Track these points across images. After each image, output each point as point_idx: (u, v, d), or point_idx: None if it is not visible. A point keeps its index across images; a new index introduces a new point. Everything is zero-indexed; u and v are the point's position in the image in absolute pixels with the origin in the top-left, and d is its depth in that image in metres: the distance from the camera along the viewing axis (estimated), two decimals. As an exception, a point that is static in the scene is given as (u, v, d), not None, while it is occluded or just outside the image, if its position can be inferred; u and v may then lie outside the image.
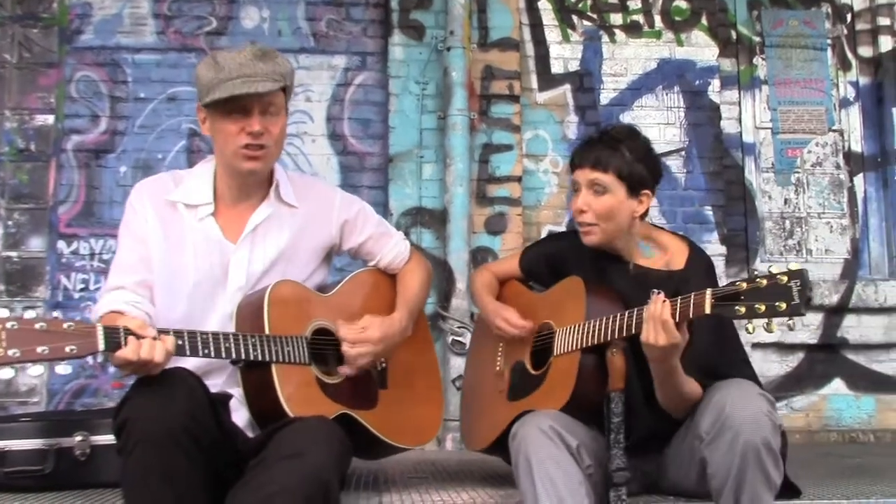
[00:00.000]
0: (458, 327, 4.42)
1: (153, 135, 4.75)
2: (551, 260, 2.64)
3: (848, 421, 4.81)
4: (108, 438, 2.58)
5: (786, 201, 5.13)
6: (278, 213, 2.37)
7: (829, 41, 5.26)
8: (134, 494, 1.86)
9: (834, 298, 4.82)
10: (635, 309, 2.15)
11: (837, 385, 4.85)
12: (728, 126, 5.04)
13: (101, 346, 1.86)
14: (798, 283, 1.86)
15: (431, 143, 4.73)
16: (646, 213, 2.41)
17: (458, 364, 4.36)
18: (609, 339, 2.22)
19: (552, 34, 5.00)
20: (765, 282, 1.90)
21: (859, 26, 5.27)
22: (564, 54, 5.00)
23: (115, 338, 1.88)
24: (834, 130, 5.19)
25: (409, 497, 2.49)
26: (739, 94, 5.14)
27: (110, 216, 4.67)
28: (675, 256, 2.42)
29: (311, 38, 4.89)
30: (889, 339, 4.84)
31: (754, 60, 5.20)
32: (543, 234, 4.74)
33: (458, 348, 4.39)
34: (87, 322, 1.89)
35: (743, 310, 1.92)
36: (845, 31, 5.29)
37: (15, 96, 4.73)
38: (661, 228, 2.52)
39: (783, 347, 4.78)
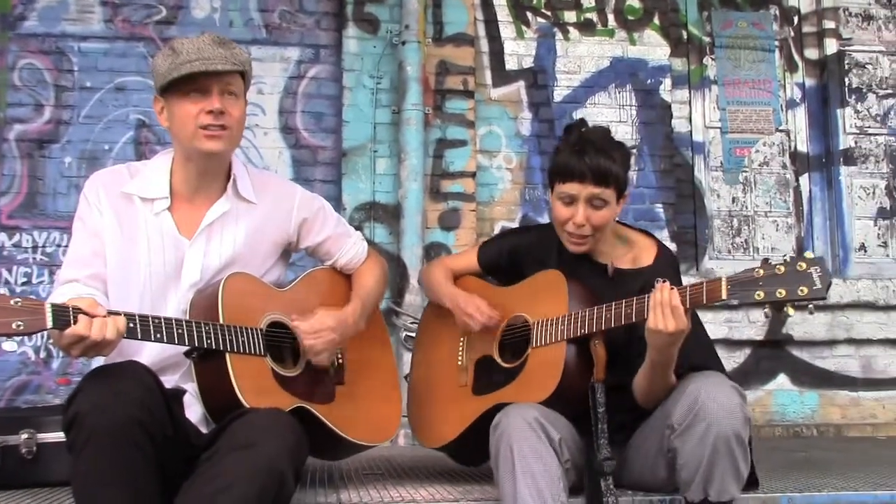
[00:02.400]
0: (412, 322, 4.39)
1: (99, 125, 4.63)
2: (513, 255, 2.64)
3: (792, 416, 4.91)
4: (55, 436, 2.53)
5: (734, 200, 5.22)
6: (235, 209, 2.33)
7: (776, 43, 5.36)
8: (86, 490, 1.82)
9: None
10: (633, 298, 2.17)
11: (782, 380, 4.94)
12: (678, 125, 5.10)
13: (49, 323, 1.82)
14: (818, 270, 1.93)
15: (385, 137, 4.70)
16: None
17: (410, 359, 4.34)
18: (598, 329, 2.24)
19: (507, 30, 5.00)
20: (783, 268, 1.96)
21: (806, 29, 5.39)
22: (519, 51, 5.00)
23: (63, 316, 1.84)
24: (781, 131, 5.29)
25: (368, 494, 2.47)
26: (690, 93, 5.20)
27: (54, 208, 4.55)
28: (641, 252, 2.45)
29: (263, 29, 4.82)
30: (832, 336, 4.95)
31: (704, 60, 5.27)
32: (497, 230, 4.74)
33: (411, 344, 4.34)
34: (36, 299, 1.85)
35: (762, 294, 1.97)
36: (792, 34, 5.39)
37: (-46, 83, 4.58)
38: (626, 224, 2.55)
39: (731, 343, 4.86)
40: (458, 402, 2.56)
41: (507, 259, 2.65)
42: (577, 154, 2.33)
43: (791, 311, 1.98)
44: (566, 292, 2.35)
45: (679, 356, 2.19)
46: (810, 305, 1.96)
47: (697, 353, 2.28)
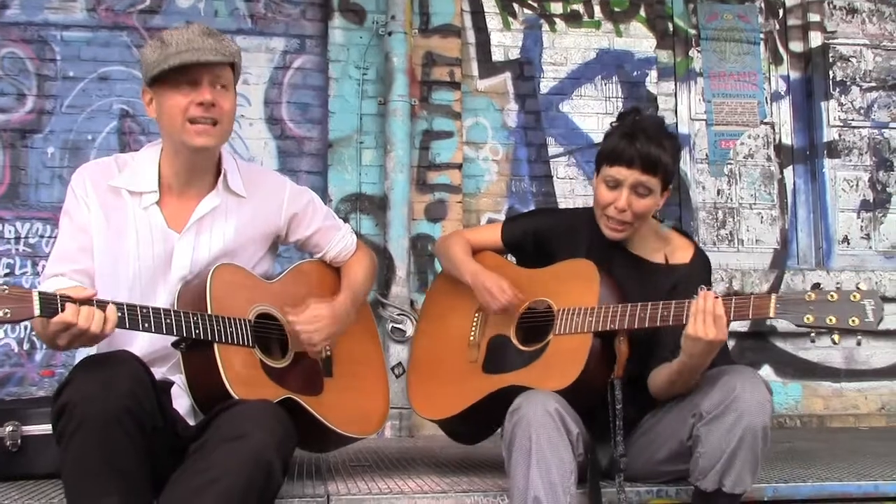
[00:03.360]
0: (398, 315, 4.40)
1: (83, 115, 4.58)
2: (540, 236, 2.59)
3: (776, 407, 4.93)
4: (40, 428, 2.52)
5: (719, 192, 5.23)
6: (225, 204, 2.32)
7: (761, 35, 5.37)
8: (75, 479, 1.81)
9: (764, 287, 4.94)
10: (672, 302, 2.17)
11: (766, 372, 4.96)
12: (664, 117, 5.09)
13: (37, 311, 1.81)
14: (872, 303, 1.97)
15: (372, 128, 4.68)
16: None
17: (397, 352, 4.35)
18: (630, 326, 2.23)
19: (493, 22, 4.99)
20: (836, 296, 1.99)
21: (791, 21, 5.40)
22: (505, 42, 5.00)
23: (51, 304, 1.82)
24: (765, 123, 5.31)
25: (356, 485, 2.47)
26: (675, 85, 5.21)
27: (37, 199, 4.50)
28: (675, 251, 2.44)
29: (248, 19, 4.79)
30: (815, 327, 4.98)
31: (690, 53, 5.28)
32: (484, 222, 4.74)
33: (397, 336, 4.37)
34: (23, 287, 1.84)
35: (811, 318, 2.00)
36: (777, 26, 5.41)
37: (-66, 72, 4.52)
38: (661, 221, 2.54)
39: (715, 335, 4.88)
40: (465, 377, 2.52)
41: (533, 239, 2.61)
42: (627, 138, 2.31)
43: (837, 338, 2.01)
44: (598, 284, 2.33)
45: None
46: (859, 336, 1.98)
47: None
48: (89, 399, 1.80)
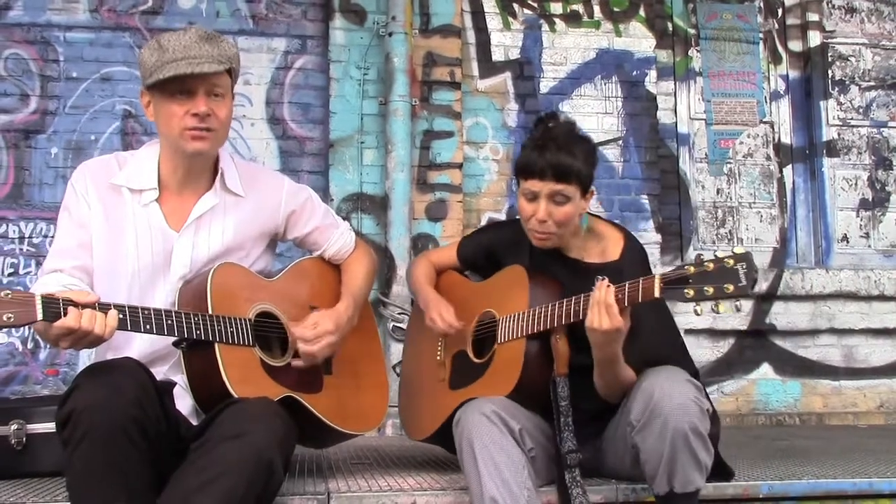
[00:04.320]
0: (399, 313, 4.42)
1: (86, 115, 4.61)
2: (489, 250, 2.66)
3: (775, 405, 4.97)
4: (44, 427, 2.54)
5: (718, 191, 5.25)
6: (223, 203, 2.34)
7: (761, 35, 5.39)
8: (81, 487, 1.83)
9: (763, 286, 4.96)
10: (581, 295, 2.19)
11: (765, 370, 4.99)
12: (664, 116, 5.13)
13: (40, 315, 1.83)
14: (744, 266, 1.94)
15: (372, 128, 4.71)
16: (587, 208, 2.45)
17: (398, 350, 4.36)
18: (554, 325, 2.27)
19: (493, 22, 5.01)
20: (711, 265, 1.97)
21: (790, 21, 5.42)
22: (505, 42, 5.02)
23: (53, 307, 1.85)
24: (765, 122, 5.33)
25: (356, 483, 2.49)
26: (675, 85, 5.23)
27: (40, 198, 4.53)
28: (610, 246, 2.46)
29: (250, 19, 4.81)
30: (814, 326, 5.01)
31: (689, 52, 5.30)
32: (484, 221, 4.77)
33: (398, 334, 4.40)
34: (26, 291, 1.85)
35: (691, 292, 1.99)
36: (776, 26, 5.43)
37: (-62, 73, 4.55)
38: (596, 216, 2.56)
39: (714, 333, 4.91)
40: (437, 396, 2.60)
41: (485, 254, 2.68)
42: (538, 150, 2.33)
43: (721, 308, 2.00)
44: (527, 288, 2.39)
45: (637, 350, 2.22)
46: (737, 302, 1.98)
47: (664, 350, 2.31)
48: (95, 408, 1.82)
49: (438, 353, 2.65)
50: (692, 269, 1.99)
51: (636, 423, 2.14)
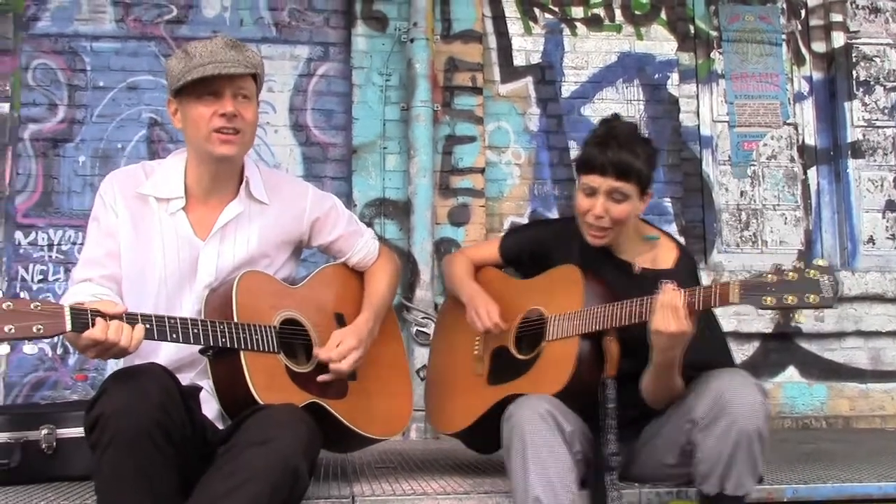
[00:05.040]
0: (422, 318, 4.44)
1: (112, 124, 4.68)
2: (535, 247, 2.66)
3: (801, 408, 4.93)
4: (73, 432, 2.58)
5: (742, 193, 5.23)
6: (248, 211, 2.37)
7: (783, 36, 5.36)
8: (108, 491, 1.86)
9: (788, 288, 4.91)
10: (646, 297, 2.20)
11: (791, 373, 4.96)
12: (686, 119, 5.12)
13: (69, 326, 1.85)
14: (829, 279, 1.97)
15: (395, 134, 4.74)
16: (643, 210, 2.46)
17: (422, 355, 4.39)
18: (611, 326, 2.28)
19: (514, 26, 5.03)
20: (794, 275, 2.00)
21: (813, 22, 5.39)
22: (526, 47, 5.03)
23: (82, 318, 1.87)
24: (788, 124, 5.30)
25: (380, 487, 2.51)
26: (697, 87, 5.22)
27: (69, 206, 4.61)
28: (662, 254, 2.48)
29: (273, 27, 4.87)
30: (840, 328, 4.97)
31: (712, 55, 5.28)
32: (506, 226, 4.77)
33: (422, 339, 4.42)
34: (55, 303, 1.88)
35: (771, 300, 2.00)
36: (799, 27, 5.39)
37: (-31, 84, 4.64)
38: (649, 224, 2.57)
39: (740, 336, 4.88)
40: (473, 391, 2.59)
41: (529, 251, 2.68)
42: (600, 147, 2.36)
43: (802, 318, 2.04)
44: (582, 287, 2.39)
45: (690, 353, 2.21)
46: (819, 312, 2.01)
47: (709, 350, 2.32)
48: (121, 412, 1.84)
49: (476, 347, 2.65)
50: (772, 277, 2.01)
51: (700, 421, 2.14)
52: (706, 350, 2.30)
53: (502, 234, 2.86)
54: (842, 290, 2.02)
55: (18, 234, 4.57)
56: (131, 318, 1.96)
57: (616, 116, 2.49)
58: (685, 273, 2.41)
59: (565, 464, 2.13)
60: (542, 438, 2.13)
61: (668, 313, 2.10)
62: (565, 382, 2.30)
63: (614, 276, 2.44)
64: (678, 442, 2.24)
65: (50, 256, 4.57)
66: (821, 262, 2.00)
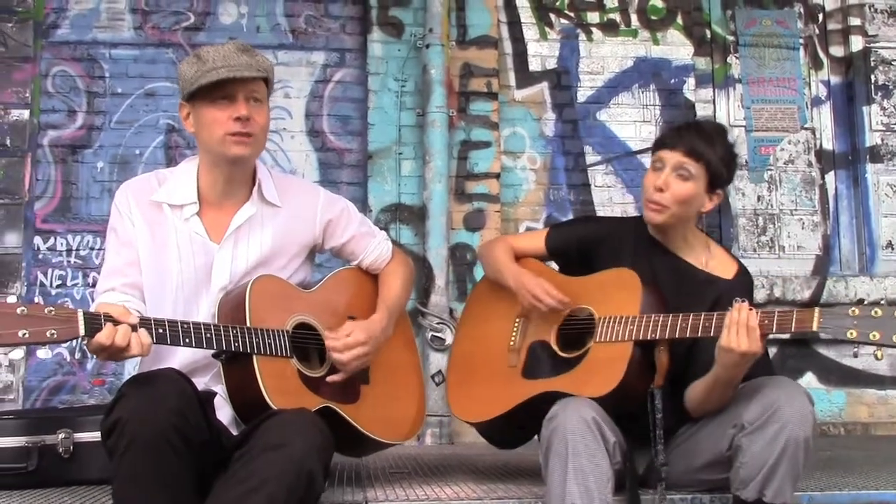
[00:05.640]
0: (438, 323, 4.45)
1: (131, 130, 4.73)
2: (584, 243, 2.61)
3: (819, 415, 4.88)
4: (91, 436, 2.59)
5: (759, 198, 5.20)
6: (261, 213, 2.38)
7: (801, 40, 5.34)
8: (126, 495, 1.87)
9: (806, 294, 4.90)
10: (714, 313, 2.19)
11: (809, 379, 4.93)
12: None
13: (82, 331, 1.87)
14: None
15: (410, 139, 4.75)
16: (709, 211, 2.45)
17: (437, 360, 4.40)
18: (669, 336, 2.25)
19: (530, 32, 5.04)
20: (880, 312, 1.99)
21: (831, 26, 5.36)
22: (542, 52, 5.03)
23: (95, 324, 1.89)
24: (806, 128, 5.27)
25: (394, 492, 2.51)
26: (714, 92, 5.20)
27: (87, 212, 4.65)
28: (719, 265, 2.45)
29: (289, 34, 4.90)
30: (859, 334, 4.92)
31: (728, 59, 5.27)
32: (522, 231, 4.78)
33: (437, 344, 4.42)
34: (68, 308, 1.90)
35: (854, 334, 2.00)
36: (817, 31, 5.37)
37: (-10, 91, 4.70)
38: (709, 237, 2.56)
39: (756, 342, 4.86)
40: (505, 382, 2.52)
41: (578, 247, 2.62)
42: (677, 129, 2.43)
43: (880, 353, 2.03)
44: (640, 293, 2.35)
45: None
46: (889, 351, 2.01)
47: (756, 365, 2.26)
48: (139, 417, 1.85)
49: (513, 338, 2.58)
50: (856, 311, 2.01)
51: (748, 425, 2.12)
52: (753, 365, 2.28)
53: (549, 227, 2.79)
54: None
55: (37, 240, 4.61)
56: (145, 324, 1.98)
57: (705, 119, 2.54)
58: (742, 290, 2.36)
59: (605, 474, 2.10)
60: (585, 445, 2.10)
61: (742, 332, 2.08)
62: (614, 386, 2.25)
63: (666, 275, 2.42)
64: (718, 446, 2.22)
65: (68, 262, 4.62)
66: None
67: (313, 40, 4.90)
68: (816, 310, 2.05)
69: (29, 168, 4.65)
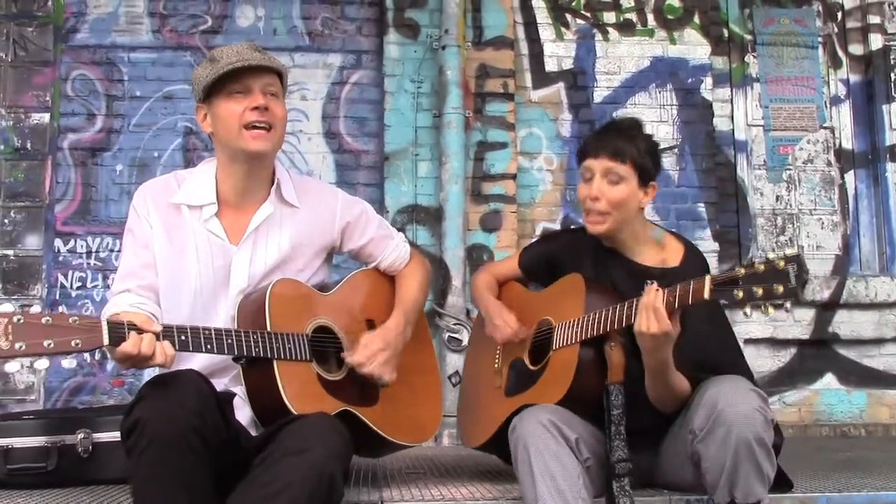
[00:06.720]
0: (455, 324, 4.45)
1: (149, 133, 4.76)
2: (550, 259, 2.67)
3: (839, 415, 4.86)
4: (110, 436, 2.62)
5: (777, 198, 5.17)
6: (279, 213, 2.38)
7: (819, 39, 5.30)
8: (144, 493, 1.89)
9: (825, 294, 4.86)
10: (634, 299, 2.19)
11: (829, 380, 4.89)
12: (720, 123, 5.08)
13: (106, 340, 1.88)
14: (795, 267, 1.91)
15: (427, 140, 4.76)
16: (648, 203, 2.46)
17: (454, 361, 4.40)
18: (606, 331, 2.26)
19: (546, 32, 5.03)
20: (762, 267, 1.94)
21: (850, 24, 5.32)
22: (558, 52, 5.03)
23: (119, 332, 1.90)
24: (825, 128, 5.24)
25: (409, 492, 2.52)
26: (731, 91, 5.17)
27: (107, 214, 4.69)
28: (670, 254, 2.47)
29: (306, 36, 4.91)
30: (880, 335, 4.89)
31: (746, 58, 5.24)
32: (539, 232, 4.77)
33: (454, 345, 4.43)
34: (92, 317, 1.91)
35: (741, 294, 1.96)
36: (836, 29, 5.33)
37: (10, 95, 4.73)
38: (657, 226, 2.56)
39: (776, 343, 4.83)
40: (493, 403, 2.62)
41: (545, 264, 2.69)
42: (597, 135, 2.46)
43: (770, 310, 1.94)
44: (583, 294, 2.39)
45: (692, 356, 2.21)
46: (786, 304, 1.93)
47: (720, 354, 2.30)
48: (159, 418, 1.87)
49: (496, 361, 2.68)
50: (743, 270, 1.97)
51: (699, 432, 2.13)
52: (714, 350, 2.29)
53: (521, 248, 2.90)
54: (808, 277, 1.91)
55: (58, 242, 4.66)
56: (166, 332, 1.99)
57: (627, 119, 2.56)
58: (693, 271, 2.35)
59: (573, 472, 2.11)
60: (546, 447, 2.12)
61: (651, 314, 2.09)
62: (565, 391, 2.29)
63: (625, 279, 2.43)
64: (686, 452, 2.22)
65: (88, 264, 4.66)
66: (789, 251, 1.94)
67: (330, 42, 4.91)
68: (707, 277, 2.03)
69: (49, 171, 4.69)
